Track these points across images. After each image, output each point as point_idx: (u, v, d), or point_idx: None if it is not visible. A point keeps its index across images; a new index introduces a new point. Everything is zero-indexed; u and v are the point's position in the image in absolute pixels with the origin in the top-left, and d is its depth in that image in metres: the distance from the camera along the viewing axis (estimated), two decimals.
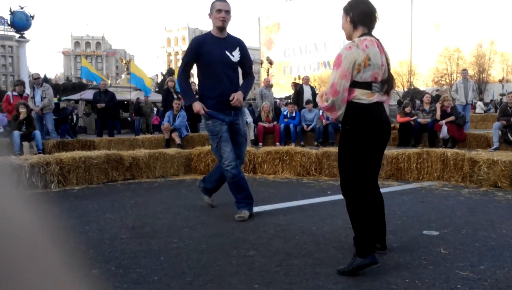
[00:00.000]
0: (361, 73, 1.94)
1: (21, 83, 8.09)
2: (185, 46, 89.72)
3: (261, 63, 44.99)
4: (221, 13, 2.80)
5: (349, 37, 2.10)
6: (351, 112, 1.97)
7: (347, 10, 2.06)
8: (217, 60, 2.80)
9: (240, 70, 3.02)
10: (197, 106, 2.83)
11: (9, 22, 17.13)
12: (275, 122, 8.80)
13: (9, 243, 0.23)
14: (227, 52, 2.85)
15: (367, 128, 1.98)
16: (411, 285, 1.83)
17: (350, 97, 1.96)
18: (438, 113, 7.71)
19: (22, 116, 6.79)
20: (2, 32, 23.43)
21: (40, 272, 0.24)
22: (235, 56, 2.89)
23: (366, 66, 1.93)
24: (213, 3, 2.87)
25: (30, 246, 0.24)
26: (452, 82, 35.99)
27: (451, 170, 4.40)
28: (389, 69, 2.06)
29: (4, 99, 8.04)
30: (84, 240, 2.51)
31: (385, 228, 2.22)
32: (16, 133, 6.64)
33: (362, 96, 1.96)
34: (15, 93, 7.77)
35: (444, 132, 7.45)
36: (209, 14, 2.90)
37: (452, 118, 7.54)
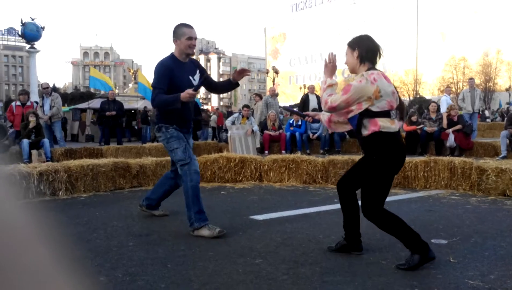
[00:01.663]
0: (375, 104, 2.11)
1: (25, 93, 8.21)
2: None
3: (267, 73, 45.28)
4: (191, 41, 2.83)
5: (353, 71, 2.29)
6: (382, 141, 2.13)
7: (354, 45, 2.24)
8: (184, 87, 2.80)
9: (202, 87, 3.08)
10: (184, 94, 2.68)
11: (20, 33, 17.51)
12: (281, 130, 8.81)
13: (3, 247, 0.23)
14: (190, 77, 2.92)
15: (396, 156, 2.16)
16: None
17: (376, 127, 2.13)
18: (445, 121, 7.67)
19: (31, 125, 6.90)
20: (13, 43, 23.96)
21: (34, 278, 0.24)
22: (196, 80, 2.96)
23: (378, 98, 2.11)
24: (181, 29, 2.84)
25: (25, 252, 0.24)
26: (458, 90, 35.82)
27: (459, 179, 4.36)
28: (399, 97, 2.22)
29: (8, 110, 8.19)
30: (91, 247, 2.53)
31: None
32: (25, 142, 6.74)
33: (387, 124, 2.13)
34: (18, 103, 7.88)
35: (451, 140, 7.40)
36: (174, 39, 2.84)
37: (459, 126, 7.50)
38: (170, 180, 3.20)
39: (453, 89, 41.52)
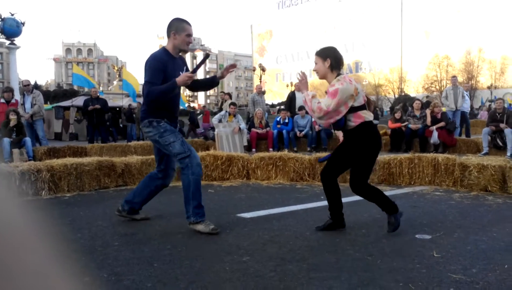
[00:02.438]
0: (356, 100, 2.57)
1: (9, 90, 8.00)
2: None
3: (254, 70, 45.20)
4: (189, 38, 2.82)
5: (323, 77, 2.71)
6: (367, 129, 2.60)
7: (325, 56, 2.65)
8: None
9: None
10: (182, 77, 2.69)
11: None
12: (268, 128, 8.83)
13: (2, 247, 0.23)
14: (180, 73, 2.88)
15: (377, 139, 2.66)
16: (405, 289, 1.84)
17: (361, 119, 2.58)
18: (429, 119, 7.83)
19: (12, 123, 6.70)
20: None
21: (31, 276, 0.24)
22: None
23: (357, 95, 2.56)
24: (181, 24, 2.80)
25: (21, 250, 0.24)
26: (442, 88, 36.63)
27: (442, 175, 4.45)
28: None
29: None
30: (76, 248, 2.48)
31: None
32: (6, 140, 6.54)
33: (367, 115, 2.61)
34: (2, 101, 7.67)
35: (434, 137, 7.55)
36: (173, 32, 2.77)
37: (442, 124, 7.66)
38: (157, 181, 3.07)
39: (437, 87, 42.46)
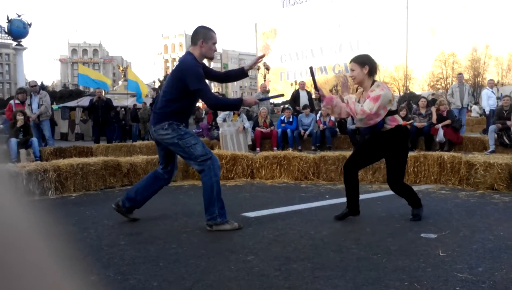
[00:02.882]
0: (392, 104, 2.85)
1: (23, 91, 8.07)
2: (182, 52, 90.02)
3: (258, 69, 45.19)
4: (215, 46, 2.92)
5: (360, 82, 2.91)
6: (401, 132, 2.89)
7: (363, 63, 2.86)
8: None
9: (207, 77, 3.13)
10: (250, 99, 3.00)
11: (6, 30, 17.15)
12: (272, 127, 8.82)
13: (5, 246, 0.23)
14: (206, 80, 3.03)
15: (407, 141, 3.12)
16: (410, 288, 1.83)
17: (396, 122, 2.87)
18: (434, 117, 7.76)
19: (19, 124, 6.78)
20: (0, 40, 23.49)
21: (36, 276, 0.24)
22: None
23: (393, 100, 2.87)
24: (209, 33, 2.87)
25: (27, 250, 0.24)
26: (448, 86, 36.30)
27: (448, 173, 4.42)
28: None
29: (7, 108, 8.05)
30: (82, 247, 2.50)
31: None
32: (13, 141, 6.62)
33: (400, 119, 2.94)
34: (17, 101, 7.76)
35: (440, 135, 7.49)
36: (201, 40, 2.83)
37: (448, 121, 7.60)
38: (162, 181, 3.08)
39: (442, 84, 42.09)
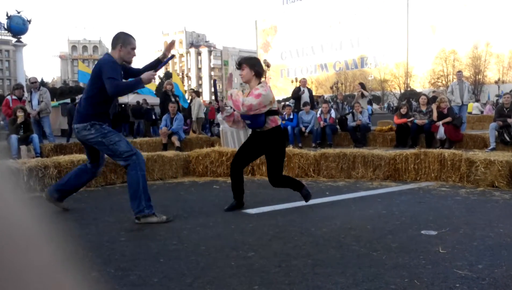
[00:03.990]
0: (273, 105, 3.13)
1: (20, 87, 8.06)
2: (182, 49, 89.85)
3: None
4: (134, 51, 3.04)
5: (248, 82, 3.19)
6: (280, 132, 3.20)
7: (254, 65, 3.17)
8: None
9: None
10: (147, 74, 2.94)
11: (5, 27, 17.10)
12: None
13: (7, 243, 0.23)
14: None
15: (284, 141, 3.35)
16: (410, 285, 1.83)
17: (275, 123, 3.16)
18: (435, 114, 7.75)
19: (19, 120, 6.77)
20: None
21: (37, 272, 0.24)
22: None
23: (274, 102, 3.16)
24: (128, 38, 3.00)
25: (28, 248, 0.24)
26: (449, 83, 36.21)
27: (449, 171, 4.42)
28: None
29: (3, 103, 8.02)
30: (83, 243, 2.51)
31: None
32: (14, 137, 6.61)
33: (279, 120, 3.24)
34: (14, 97, 7.73)
35: (441, 133, 7.49)
36: (120, 45, 2.95)
37: (448, 119, 7.59)
38: (90, 174, 3.25)
39: (443, 82, 42.00)
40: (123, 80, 2.97)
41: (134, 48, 3.04)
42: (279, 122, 3.20)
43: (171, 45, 3.30)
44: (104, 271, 2.06)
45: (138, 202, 2.87)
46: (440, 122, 7.55)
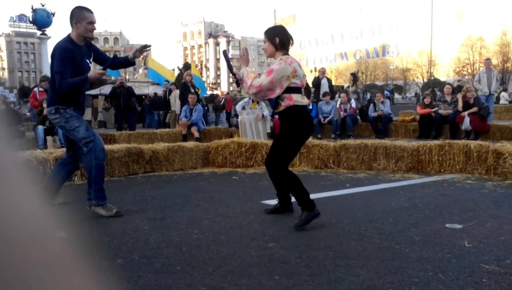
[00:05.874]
0: (291, 81, 2.53)
1: (46, 79, 8.31)
2: (201, 40, 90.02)
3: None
4: (92, 25, 2.86)
5: (271, 56, 2.68)
6: (296, 113, 2.55)
7: (273, 37, 2.60)
8: (82, 70, 2.90)
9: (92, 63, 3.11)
10: (94, 73, 2.89)
11: (31, 20, 17.59)
12: None
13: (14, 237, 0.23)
14: (87, 60, 2.97)
15: (307, 125, 2.62)
16: (434, 279, 1.80)
17: (291, 102, 2.53)
18: (460, 104, 7.48)
19: (45, 111, 7.01)
20: (25, 30, 24.13)
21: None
22: (91, 62, 3.04)
23: (294, 77, 2.53)
24: (82, 12, 2.84)
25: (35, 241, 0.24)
26: (475, 72, 34.77)
27: (475, 163, 4.28)
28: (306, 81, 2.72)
29: (31, 95, 8.31)
30: (108, 231, 2.59)
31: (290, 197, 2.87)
32: (40, 128, 6.86)
33: (299, 99, 2.56)
34: (41, 89, 7.99)
35: (466, 123, 7.23)
36: (74, 22, 2.82)
37: (475, 109, 7.31)
38: (68, 166, 3.18)
39: (469, 70, 40.36)
40: (71, 78, 2.80)
41: (91, 22, 2.84)
42: (299, 101, 2.54)
43: (143, 47, 3.08)
44: (129, 258, 2.12)
45: (89, 190, 2.88)
46: (466, 112, 7.28)
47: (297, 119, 2.54)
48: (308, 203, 2.53)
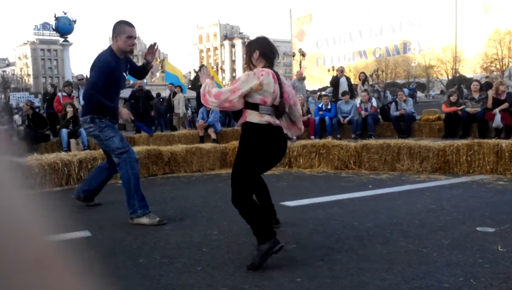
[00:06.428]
0: (251, 95, 2.20)
1: (69, 84, 8.60)
2: (216, 42, 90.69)
3: (293, 56, 44.30)
4: (131, 40, 2.86)
5: (251, 68, 2.37)
6: (251, 132, 2.22)
7: (254, 48, 2.35)
8: (119, 83, 2.97)
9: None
10: (125, 114, 3.01)
11: (54, 27, 18.23)
12: (309, 115, 8.64)
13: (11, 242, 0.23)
14: (123, 74, 3.02)
15: (264, 147, 2.20)
16: (466, 284, 1.70)
17: (244, 118, 2.23)
18: (490, 101, 7.14)
19: (69, 115, 7.22)
20: (48, 37, 25.07)
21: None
22: (125, 75, 3.09)
23: (256, 90, 2.19)
24: (122, 27, 2.84)
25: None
26: (504, 67, 33.37)
27: (506, 163, 4.07)
28: (282, 97, 2.27)
29: (55, 100, 8.62)
30: (130, 230, 2.62)
31: (272, 205, 2.63)
32: (64, 131, 7.08)
33: (255, 117, 2.21)
34: (64, 94, 8.27)
35: (497, 121, 6.89)
36: (115, 36, 2.84)
37: (506, 105, 6.96)
38: (106, 171, 3.22)
39: (498, 66, 38.74)
40: (103, 98, 2.83)
41: (131, 37, 2.84)
42: (252, 118, 2.19)
43: (150, 48, 3.08)
44: (151, 257, 2.13)
45: (132, 202, 2.80)
46: (497, 109, 6.94)
47: (251, 138, 2.19)
48: (263, 233, 2.03)
